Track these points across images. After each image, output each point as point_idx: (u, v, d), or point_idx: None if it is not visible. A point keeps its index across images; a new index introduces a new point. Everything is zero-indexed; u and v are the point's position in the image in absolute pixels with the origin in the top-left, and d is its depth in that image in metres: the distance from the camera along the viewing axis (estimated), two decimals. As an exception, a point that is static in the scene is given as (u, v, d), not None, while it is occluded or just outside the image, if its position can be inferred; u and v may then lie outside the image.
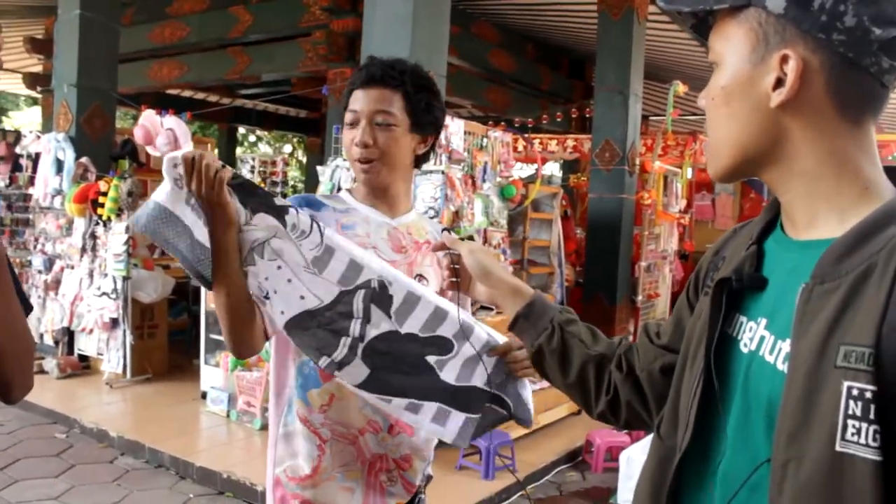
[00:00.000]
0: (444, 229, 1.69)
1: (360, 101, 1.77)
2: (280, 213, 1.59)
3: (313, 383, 1.75)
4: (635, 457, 4.79)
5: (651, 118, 14.53)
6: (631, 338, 7.96)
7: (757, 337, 1.00)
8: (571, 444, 5.68)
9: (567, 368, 1.36)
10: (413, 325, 1.64)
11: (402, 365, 1.65)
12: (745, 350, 1.01)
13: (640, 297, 7.88)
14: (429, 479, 1.98)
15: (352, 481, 1.77)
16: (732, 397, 1.01)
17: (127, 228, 6.57)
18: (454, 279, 1.53)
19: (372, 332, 1.62)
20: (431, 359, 1.66)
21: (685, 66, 11.35)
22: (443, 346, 1.66)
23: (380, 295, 1.62)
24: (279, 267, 1.60)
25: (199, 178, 1.51)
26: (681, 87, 7.62)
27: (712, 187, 13.10)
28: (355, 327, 1.62)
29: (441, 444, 5.30)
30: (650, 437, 4.16)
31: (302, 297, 1.61)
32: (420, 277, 1.80)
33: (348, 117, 1.79)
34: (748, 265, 1.05)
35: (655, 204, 7.88)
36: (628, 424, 1.39)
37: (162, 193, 1.53)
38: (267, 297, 1.61)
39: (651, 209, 7.84)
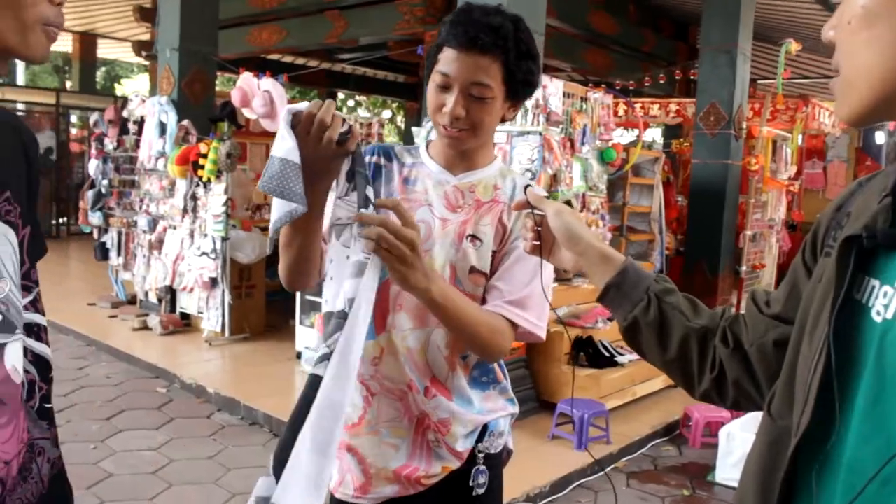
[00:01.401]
0: (527, 185, 1.51)
1: (454, 65, 1.61)
2: (364, 203, 1.46)
3: (368, 334, 1.65)
4: (736, 433, 4.61)
5: (758, 81, 13.89)
6: (734, 309, 7.64)
7: (893, 304, 0.85)
8: (668, 418, 5.50)
9: (666, 343, 1.22)
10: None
11: None
12: (877, 319, 0.86)
13: (744, 268, 7.55)
14: (508, 453, 1.89)
15: (397, 438, 1.72)
16: (861, 374, 0.87)
17: (226, 189, 6.68)
18: (536, 242, 1.39)
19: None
20: None
21: (798, 25, 10.74)
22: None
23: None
24: (348, 257, 1.48)
25: (314, 139, 1.41)
26: (793, 46, 7.20)
27: (824, 154, 12.47)
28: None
29: (533, 413, 5.22)
30: (753, 413, 3.98)
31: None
32: (472, 238, 1.69)
33: (438, 79, 1.64)
34: (882, 220, 0.90)
35: (763, 170, 7.50)
36: (736, 404, 1.23)
37: (283, 147, 1.42)
38: (328, 279, 1.56)
39: (758, 175, 7.46)
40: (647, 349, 1.26)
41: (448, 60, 1.62)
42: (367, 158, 1.73)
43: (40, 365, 1.28)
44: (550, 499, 4.26)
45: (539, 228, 1.38)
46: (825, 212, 1.09)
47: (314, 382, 1.37)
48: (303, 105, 1.43)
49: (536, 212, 1.38)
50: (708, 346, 1.21)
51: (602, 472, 4.63)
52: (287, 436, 1.38)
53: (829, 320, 0.89)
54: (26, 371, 1.24)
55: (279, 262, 1.66)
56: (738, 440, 4.55)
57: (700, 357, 1.21)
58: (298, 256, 1.60)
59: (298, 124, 1.42)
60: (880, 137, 12.09)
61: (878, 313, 0.87)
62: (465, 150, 1.72)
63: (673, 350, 1.22)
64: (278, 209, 1.45)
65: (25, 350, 1.24)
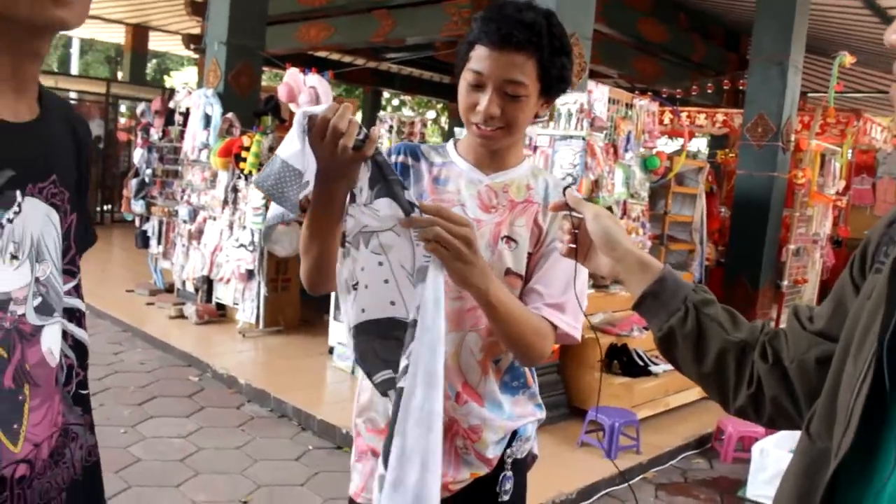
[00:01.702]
0: (566, 187, 1.45)
1: (487, 63, 1.57)
2: (409, 208, 1.43)
3: None
4: (770, 449, 4.51)
5: (808, 94, 13.65)
6: (773, 324, 7.51)
7: None
8: (701, 430, 5.40)
9: (702, 356, 1.18)
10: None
11: None
12: None
13: (785, 282, 7.40)
14: (533, 458, 1.85)
15: None
16: None
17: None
18: (572, 245, 1.35)
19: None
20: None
21: (852, 38, 10.53)
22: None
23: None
24: (380, 263, 1.46)
25: (329, 145, 1.39)
26: (847, 59, 7.04)
27: (874, 171, 12.20)
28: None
29: (564, 419, 5.16)
30: (789, 430, 3.83)
31: (392, 303, 1.48)
32: (508, 240, 1.66)
33: (470, 77, 1.60)
34: None
35: (810, 184, 7.35)
36: (772, 421, 1.18)
37: (289, 149, 1.41)
38: (355, 288, 1.50)
39: (804, 189, 7.32)
40: (683, 361, 1.22)
41: (481, 58, 1.58)
42: (392, 158, 1.70)
43: (79, 350, 1.29)
44: (576, 507, 4.20)
45: (576, 231, 1.35)
46: (875, 227, 1.05)
47: (398, 395, 1.40)
48: (319, 108, 1.40)
49: (574, 214, 1.34)
50: (746, 360, 1.16)
51: (630, 482, 4.56)
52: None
53: (880, 342, 0.86)
54: (65, 355, 1.25)
55: (301, 266, 1.64)
56: (771, 457, 4.45)
57: (737, 372, 1.17)
58: (319, 260, 1.58)
59: (313, 127, 1.39)
60: (934, 155, 11.80)
61: None
62: (497, 149, 1.69)
63: (709, 363, 1.18)
64: (273, 209, 1.46)
65: (65, 334, 1.25)
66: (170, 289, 8.19)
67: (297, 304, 7.45)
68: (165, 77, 26.35)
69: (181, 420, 5.01)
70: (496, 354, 1.70)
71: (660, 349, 1.25)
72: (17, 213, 1.15)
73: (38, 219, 1.18)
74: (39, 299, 1.19)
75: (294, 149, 1.40)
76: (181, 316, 7.25)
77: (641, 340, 5.63)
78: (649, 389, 5.43)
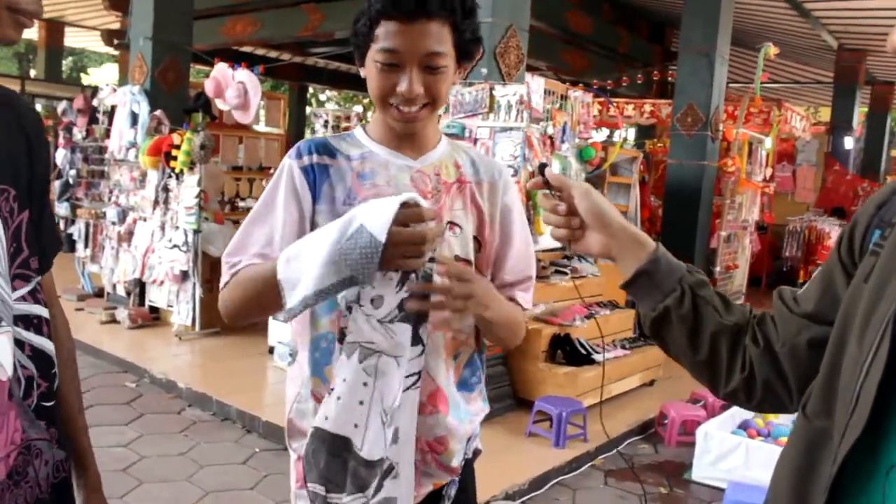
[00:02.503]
0: (543, 164, 1.33)
1: (401, 38, 1.43)
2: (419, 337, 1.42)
3: (327, 359, 1.54)
4: (713, 432, 4.61)
5: (730, 85, 14.05)
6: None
7: None
8: (644, 416, 5.49)
9: (696, 340, 1.16)
10: None
11: None
12: None
13: (718, 269, 7.59)
14: (476, 453, 1.76)
15: None
16: None
17: (199, 181, 6.55)
18: (562, 228, 1.27)
19: None
20: None
21: (774, 31, 10.85)
22: None
23: None
24: (365, 384, 1.39)
25: (405, 241, 1.33)
26: (772, 50, 7.26)
27: (793, 158, 12.63)
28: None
29: (510, 410, 5.17)
30: (729, 412, 3.97)
31: (356, 426, 1.40)
32: (452, 225, 1.56)
33: (383, 57, 1.45)
34: None
35: (739, 172, 7.54)
36: (761, 405, 1.18)
37: (377, 222, 1.33)
38: (327, 392, 1.44)
39: (734, 177, 7.51)
40: (674, 343, 1.20)
41: (392, 34, 1.43)
42: (305, 160, 1.55)
43: (40, 360, 1.21)
44: (529, 496, 4.22)
45: (566, 207, 1.26)
46: (863, 210, 1.06)
47: None
48: (424, 202, 1.37)
49: (556, 193, 1.27)
50: (739, 344, 1.16)
51: (580, 471, 4.61)
52: None
53: (891, 325, 0.85)
54: (23, 366, 1.17)
55: (232, 295, 1.54)
56: (715, 439, 4.55)
57: (730, 356, 1.16)
58: (265, 311, 1.57)
59: (404, 213, 1.32)
60: (849, 142, 12.28)
61: None
62: (418, 129, 1.56)
63: (704, 348, 1.17)
64: (323, 278, 1.34)
65: (22, 344, 1.17)
66: (99, 293, 7.92)
67: (233, 304, 7.29)
68: (83, 74, 25.49)
69: (120, 428, 4.85)
70: (455, 350, 1.61)
71: (650, 330, 1.22)
72: None
73: None
74: None
75: (382, 221, 1.30)
76: (113, 321, 7.02)
77: (583, 330, 5.69)
78: (593, 378, 5.49)
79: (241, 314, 1.55)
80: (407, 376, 1.42)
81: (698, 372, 1.21)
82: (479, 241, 1.61)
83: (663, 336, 1.20)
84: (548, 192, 1.27)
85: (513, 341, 1.67)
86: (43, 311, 1.23)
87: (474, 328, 1.65)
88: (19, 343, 1.17)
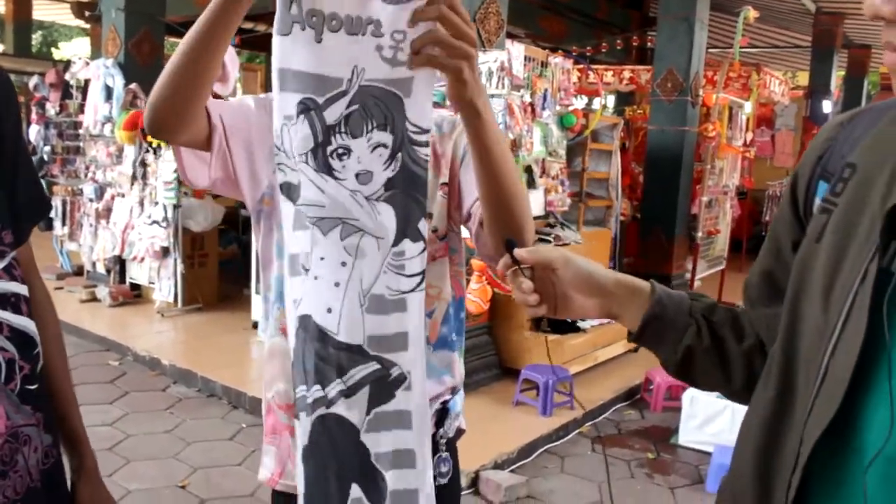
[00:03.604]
0: (509, 242, 1.16)
1: None
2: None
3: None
4: (699, 396, 4.64)
5: (710, 50, 14.02)
6: (689, 275, 7.73)
7: None
8: (630, 382, 5.52)
9: (728, 370, 1.08)
10: None
11: None
12: None
13: (699, 234, 7.61)
14: (459, 433, 1.69)
15: None
16: (892, 357, 0.78)
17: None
18: (537, 306, 1.12)
19: None
20: None
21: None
22: None
23: None
24: (343, 264, 1.26)
25: None
26: (751, 14, 7.22)
27: (772, 123, 12.65)
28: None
29: (496, 380, 5.17)
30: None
31: (329, 311, 1.27)
32: None
33: None
34: None
35: (720, 137, 7.54)
36: None
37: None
38: (305, 270, 1.27)
39: (715, 142, 7.51)
40: (706, 379, 1.11)
41: None
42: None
43: (20, 340, 1.15)
44: (518, 465, 4.24)
45: (532, 284, 1.12)
46: (803, 163, 1.00)
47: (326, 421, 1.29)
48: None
49: (525, 268, 1.13)
50: (762, 361, 1.06)
51: (567, 438, 4.64)
52: None
53: (874, 297, 0.79)
54: (2, 349, 1.11)
55: (161, 89, 1.26)
56: (701, 403, 4.59)
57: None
58: (198, 80, 1.26)
59: None
60: (827, 106, 12.30)
61: None
62: None
63: (738, 375, 1.08)
64: None
65: (0, 325, 1.12)
66: (79, 271, 7.83)
67: (215, 280, 7.24)
68: (53, 49, 25.02)
69: (105, 407, 4.81)
70: (430, 306, 1.51)
71: (677, 374, 1.12)
72: None
73: None
74: None
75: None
76: (94, 299, 6.95)
77: (568, 298, 5.70)
78: (578, 345, 5.51)
79: (165, 93, 1.26)
80: (409, 275, 1.28)
81: (742, 400, 1.10)
82: (447, 186, 1.54)
83: (693, 376, 1.12)
84: (519, 268, 1.13)
85: (525, 214, 1.36)
86: (20, 289, 1.16)
87: (448, 275, 1.57)
88: None
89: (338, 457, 1.30)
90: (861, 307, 0.79)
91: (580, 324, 5.59)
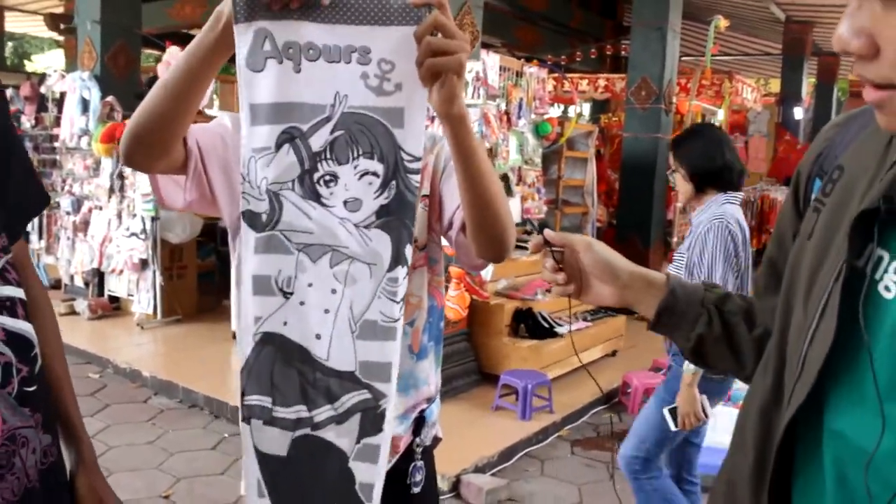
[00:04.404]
0: (541, 224, 1.30)
1: None
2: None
3: None
4: (675, 399, 4.71)
5: (682, 58, 14.21)
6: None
7: None
8: (607, 386, 5.59)
9: (739, 356, 1.15)
10: None
11: None
12: (888, 295, 0.80)
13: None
14: (436, 441, 1.72)
15: None
16: (862, 351, 0.81)
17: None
18: (565, 285, 1.24)
19: None
20: None
21: (724, 4, 10.99)
22: None
23: None
24: (334, 291, 1.28)
25: None
26: (722, 22, 7.36)
27: (745, 130, 12.83)
28: None
29: (476, 385, 5.22)
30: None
31: (318, 337, 1.29)
32: None
33: None
34: None
35: (692, 143, 7.66)
36: None
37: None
38: (285, 295, 1.28)
39: (688, 149, 7.62)
40: (719, 363, 1.18)
41: None
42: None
43: (17, 344, 1.16)
44: (498, 468, 4.29)
45: (562, 267, 1.24)
46: (803, 162, 1.05)
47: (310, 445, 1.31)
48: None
49: (555, 249, 1.24)
50: None
51: (547, 441, 4.70)
52: None
53: (843, 298, 0.83)
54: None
55: (137, 120, 1.27)
56: (677, 406, 4.65)
57: None
58: (176, 117, 1.27)
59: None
60: (798, 112, 12.51)
61: (888, 289, 0.81)
62: None
63: (749, 361, 1.14)
64: None
65: None
66: (56, 285, 7.79)
67: (194, 291, 7.25)
68: (26, 61, 24.82)
69: (86, 420, 4.69)
70: (410, 315, 1.54)
71: (692, 359, 1.20)
72: None
73: None
74: None
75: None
76: (72, 312, 6.92)
77: (545, 304, 5.77)
78: (556, 350, 5.57)
79: (142, 130, 1.28)
80: (398, 301, 1.30)
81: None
82: (427, 198, 1.58)
83: (707, 361, 1.19)
84: (548, 249, 1.24)
85: (508, 229, 1.40)
86: (16, 292, 1.18)
87: (426, 283, 1.60)
88: None
89: (322, 480, 1.32)
90: (833, 305, 0.83)
91: (557, 329, 5.66)
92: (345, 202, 1.27)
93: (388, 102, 1.24)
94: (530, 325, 5.67)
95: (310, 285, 1.27)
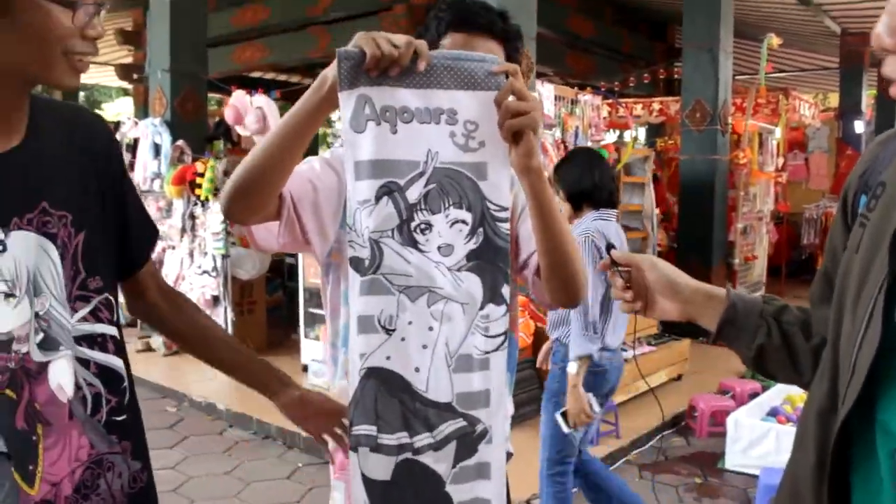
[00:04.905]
0: (609, 245, 1.43)
1: (468, 49, 1.53)
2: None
3: None
4: (743, 420, 4.70)
5: (736, 77, 14.11)
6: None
7: None
8: (674, 409, 5.58)
9: (798, 366, 1.21)
10: None
11: None
12: None
13: (736, 260, 7.68)
14: (508, 456, 1.72)
15: None
16: None
17: (224, 208, 6.71)
18: (634, 303, 1.35)
19: None
20: None
21: (776, 21, 10.93)
22: None
23: None
24: (430, 328, 1.40)
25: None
26: (774, 40, 7.36)
27: (804, 146, 12.65)
28: None
29: (539, 413, 5.22)
30: (756, 400, 4.00)
31: (417, 370, 1.41)
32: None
33: None
34: None
35: (751, 163, 7.64)
36: None
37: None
38: (388, 332, 1.39)
39: (746, 169, 7.60)
40: (780, 373, 1.24)
41: (458, 45, 1.56)
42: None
43: (107, 376, 1.27)
44: (568, 494, 4.32)
45: (629, 286, 1.34)
46: (851, 175, 1.11)
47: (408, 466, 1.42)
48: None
49: (622, 269, 1.34)
50: None
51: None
52: None
53: (886, 304, 0.89)
54: (89, 384, 1.23)
55: (239, 179, 1.38)
56: (745, 427, 4.64)
57: None
58: (278, 175, 1.39)
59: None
60: (859, 126, 12.28)
61: None
62: None
63: (807, 370, 1.20)
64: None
65: (87, 362, 1.23)
66: (132, 323, 8.08)
67: (263, 326, 7.46)
68: (97, 110, 25.82)
69: (165, 451, 5.00)
70: None
71: (755, 369, 1.27)
72: (1, 251, 1.12)
73: (30, 251, 1.15)
74: (42, 335, 1.17)
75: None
76: (149, 349, 7.19)
77: (608, 328, 5.79)
78: (623, 375, 5.58)
79: (244, 186, 1.38)
80: (493, 336, 1.43)
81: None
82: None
83: (769, 371, 1.26)
84: (616, 269, 1.35)
85: (577, 274, 1.53)
86: (108, 329, 1.28)
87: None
88: (84, 362, 1.23)
89: (422, 501, 1.44)
90: (878, 314, 0.91)
91: (623, 355, 5.66)
92: (438, 248, 1.40)
93: (473, 158, 1.38)
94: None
95: (409, 323, 1.39)
